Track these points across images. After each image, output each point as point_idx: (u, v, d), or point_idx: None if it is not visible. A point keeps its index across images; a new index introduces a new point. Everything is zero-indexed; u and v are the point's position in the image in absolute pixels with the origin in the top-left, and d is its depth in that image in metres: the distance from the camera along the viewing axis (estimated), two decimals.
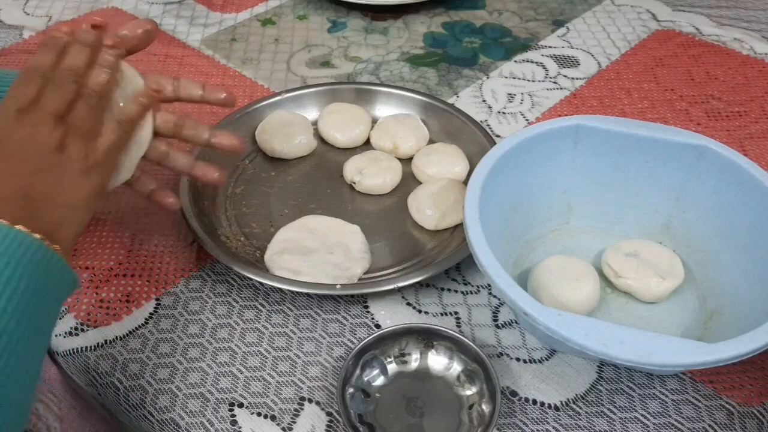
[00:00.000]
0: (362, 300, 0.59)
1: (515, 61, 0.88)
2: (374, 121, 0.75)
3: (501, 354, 0.55)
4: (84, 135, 0.47)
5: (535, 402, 0.52)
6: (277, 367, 0.55)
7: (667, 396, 0.53)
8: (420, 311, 0.59)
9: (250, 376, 0.54)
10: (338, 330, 0.57)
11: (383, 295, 0.59)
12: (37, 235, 0.42)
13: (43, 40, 0.49)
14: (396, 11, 0.99)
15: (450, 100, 0.81)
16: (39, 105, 0.46)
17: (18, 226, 0.41)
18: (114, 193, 0.53)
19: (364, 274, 0.60)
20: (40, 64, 0.48)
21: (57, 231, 0.44)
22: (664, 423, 0.51)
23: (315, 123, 0.76)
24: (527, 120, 0.79)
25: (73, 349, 0.56)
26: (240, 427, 0.51)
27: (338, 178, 0.71)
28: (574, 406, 0.52)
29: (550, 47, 0.91)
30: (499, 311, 0.59)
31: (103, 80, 0.50)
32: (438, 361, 0.54)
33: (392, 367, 0.53)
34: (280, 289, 0.59)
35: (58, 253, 0.43)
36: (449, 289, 0.60)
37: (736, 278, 0.55)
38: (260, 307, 0.59)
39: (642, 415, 0.51)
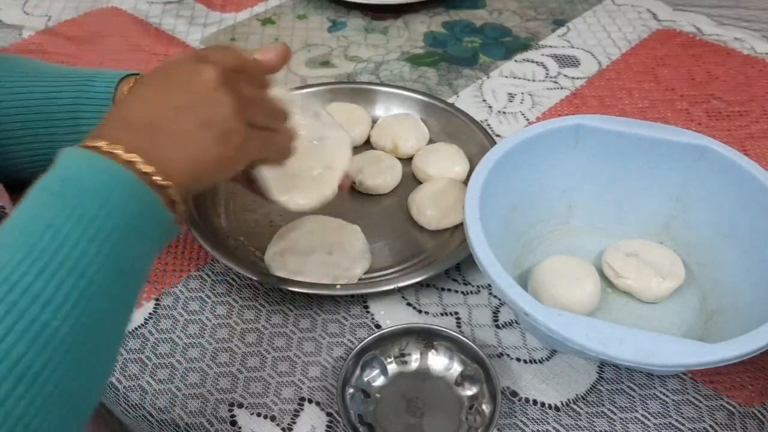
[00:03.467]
0: (362, 300, 0.59)
1: (515, 61, 0.88)
2: (374, 121, 0.75)
3: (501, 354, 0.55)
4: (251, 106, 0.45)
5: (535, 402, 0.52)
6: (276, 368, 0.55)
7: (667, 396, 0.53)
8: (420, 311, 0.59)
9: (250, 377, 0.54)
10: (338, 330, 0.57)
11: (383, 295, 0.59)
12: (150, 168, 0.38)
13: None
14: (396, 11, 0.98)
15: (450, 100, 0.81)
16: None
17: (133, 155, 0.37)
18: None
19: (364, 274, 0.60)
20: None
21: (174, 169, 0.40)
22: (664, 423, 0.51)
23: None
24: (527, 120, 0.79)
25: None
26: (240, 428, 0.51)
27: None
28: (574, 407, 0.52)
29: (550, 47, 0.91)
30: (499, 311, 0.59)
31: (275, 111, 0.49)
32: (438, 362, 0.53)
33: (392, 368, 0.53)
34: (280, 289, 0.59)
35: (168, 187, 0.39)
36: (449, 289, 0.60)
37: (736, 278, 0.55)
38: (260, 307, 0.59)
39: (642, 416, 0.51)
